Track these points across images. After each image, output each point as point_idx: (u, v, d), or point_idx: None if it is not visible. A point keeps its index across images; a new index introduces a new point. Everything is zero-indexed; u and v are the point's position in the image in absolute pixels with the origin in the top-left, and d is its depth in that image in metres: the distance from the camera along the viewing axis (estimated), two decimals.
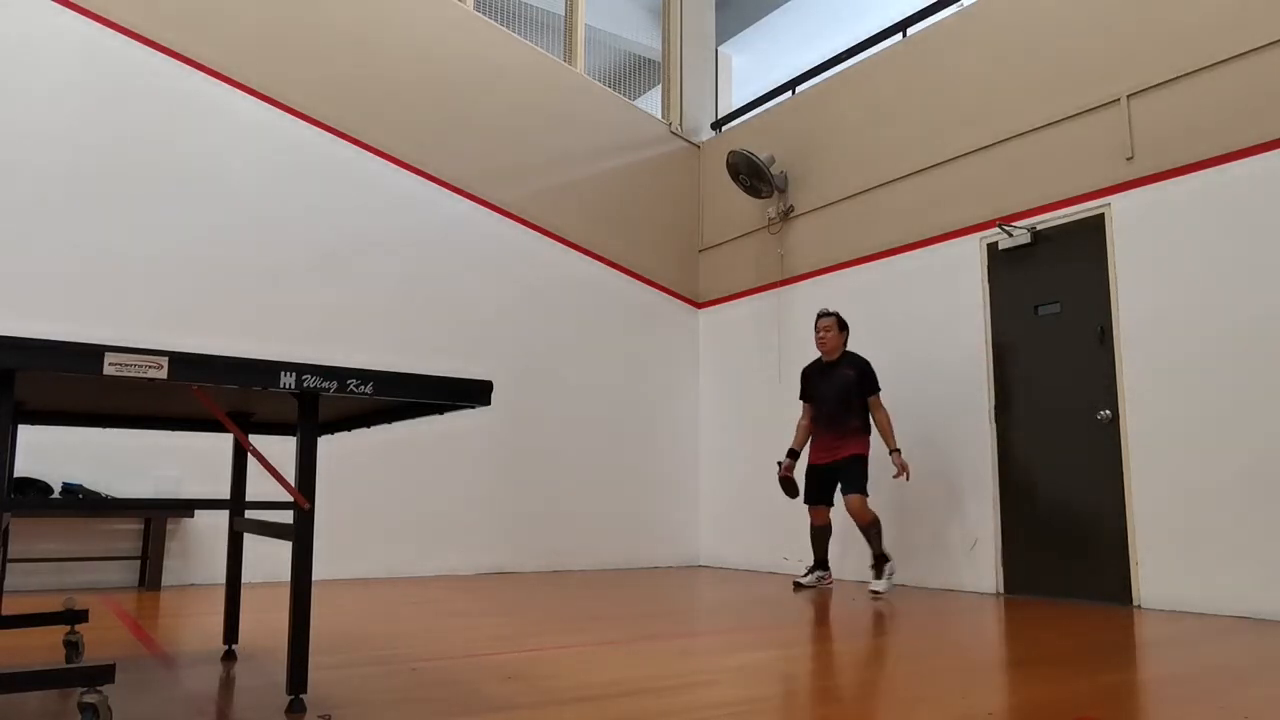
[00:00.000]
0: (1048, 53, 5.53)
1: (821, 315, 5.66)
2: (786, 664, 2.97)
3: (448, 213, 6.91)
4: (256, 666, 2.83)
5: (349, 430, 3.21)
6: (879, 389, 5.55)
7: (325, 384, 2.10)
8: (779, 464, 5.72)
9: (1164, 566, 4.65)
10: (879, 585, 5.24)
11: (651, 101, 9.10)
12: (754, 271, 7.66)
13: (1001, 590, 5.42)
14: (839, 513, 5.70)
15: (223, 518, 5.77)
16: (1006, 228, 5.55)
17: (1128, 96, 5.07)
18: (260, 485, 5.56)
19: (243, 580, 5.70)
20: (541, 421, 7.14)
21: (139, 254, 5.68)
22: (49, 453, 5.29)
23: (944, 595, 5.31)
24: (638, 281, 7.90)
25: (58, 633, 3.53)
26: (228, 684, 2.56)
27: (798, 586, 5.66)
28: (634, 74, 9.73)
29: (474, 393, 2.33)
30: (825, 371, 5.67)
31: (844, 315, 6.44)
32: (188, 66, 6.01)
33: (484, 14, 7.66)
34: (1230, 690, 2.55)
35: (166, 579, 5.53)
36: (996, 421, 5.56)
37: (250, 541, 5.75)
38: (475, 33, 7.28)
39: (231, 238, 5.99)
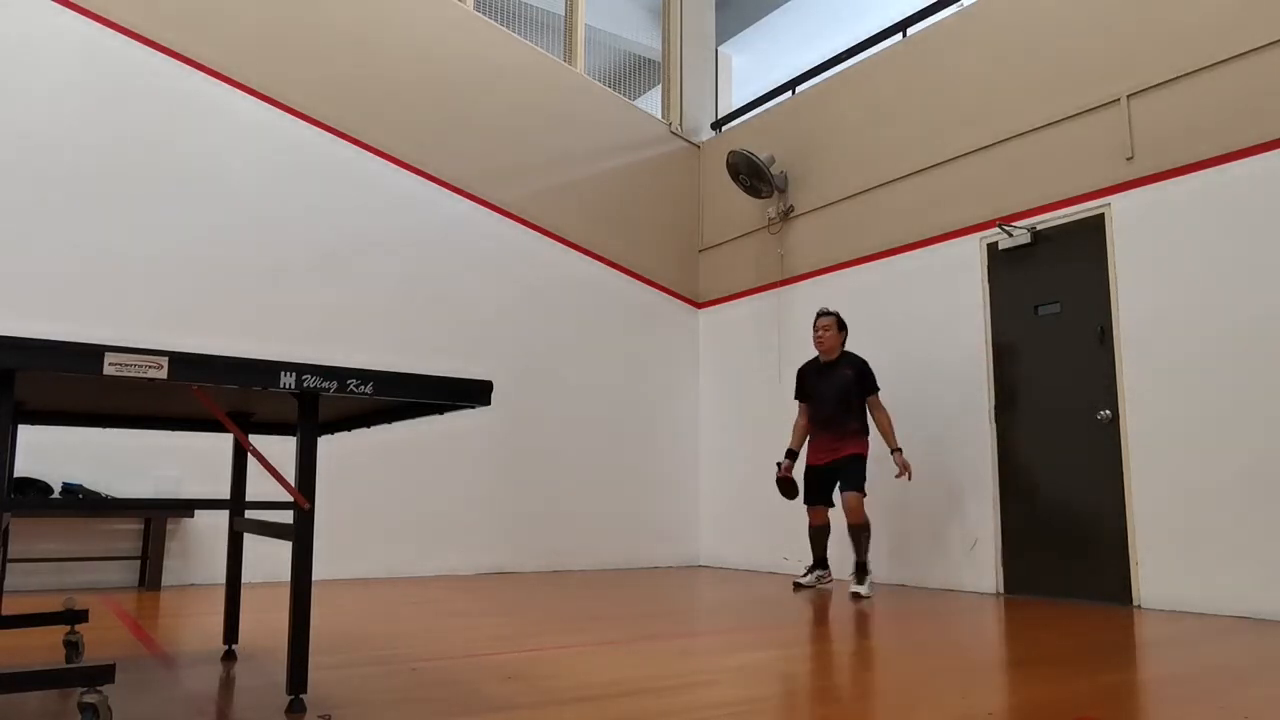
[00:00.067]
0: (1048, 53, 5.53)
1: (821, 314, 5.66)
2: (786, 664, 2.98)
3: (448, 213, 6.91)
4: (256, 666, 2.83)
5: (349, 430, 3.21)
6: (878, 389, 5.54)
7: (325, 384, 2.10)
8: (778, 465, 5.71)
9: (1164, 566, 4.65)
10: (861, 588, 5.23)
11: (651, 101, 9.10)
12: (754, 271, 7.65)
13: (1001, 590, 5.42)
14: (837, 513, 5.69)
15: (223, 518, 5.77)
16: (1006, 228, 5.55)
17: (1128, 96, 5.07)
18: (260, 485, 5.56)
19: (243, 580, 5.70)
20: (541, 421, 7.14)
21: (139, 254, 5.68)
22: (49, 453, 5.30)
23: (944, 595, 5.31)
24: (638, 281, 7.90)
25: (58, 633, 3.53)
26: (228, 684, 2.56)
27: (797, 586, 5.66)
28: (634, 74, 9.73)
29: (474, 393, 2.33)
30: (823, 371, 5.65)
31: (844, 315, 6.44)
32: (188, 66, 6.01)
33: (484, 14, 7.66)
34: (1230, 690, 2.55)
35: (166, 579, 5.54)
36: (996, 421, 5.56)
37: (250, 541, 5.76)
38: (475, 33, 7.28)
39: (231, 238, 6.00)
